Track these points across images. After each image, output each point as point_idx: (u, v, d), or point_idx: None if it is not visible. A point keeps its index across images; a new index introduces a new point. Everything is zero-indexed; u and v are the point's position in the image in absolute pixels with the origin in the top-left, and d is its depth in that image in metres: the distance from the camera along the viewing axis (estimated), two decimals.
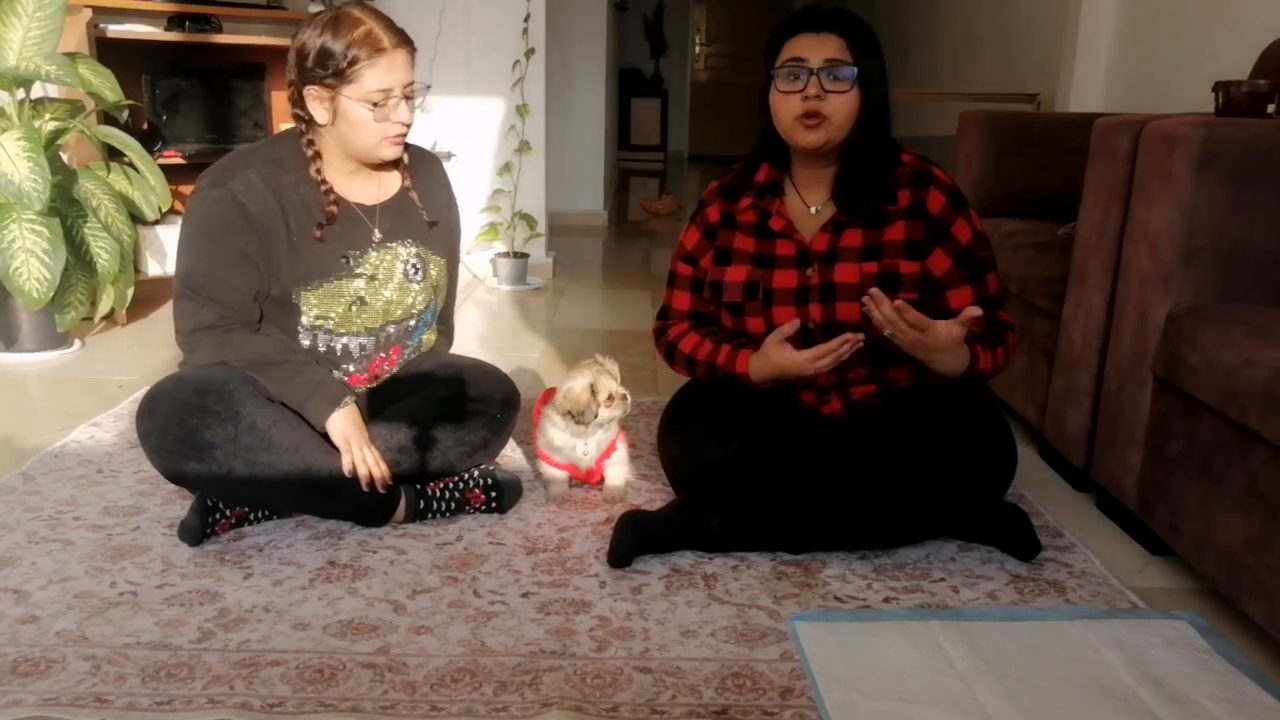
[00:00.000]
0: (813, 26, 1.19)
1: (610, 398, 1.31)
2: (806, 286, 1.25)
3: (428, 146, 2.93)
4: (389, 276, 1.30)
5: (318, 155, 1.25)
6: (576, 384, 1.31)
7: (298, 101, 1.23)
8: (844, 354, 1.18)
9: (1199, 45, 2.12)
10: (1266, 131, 1.18)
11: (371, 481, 1.24)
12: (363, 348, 1.31)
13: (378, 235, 1.29)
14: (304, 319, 1.26)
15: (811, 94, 1.17)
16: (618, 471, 1.40)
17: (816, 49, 1.18)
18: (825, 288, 1.24)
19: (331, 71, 1.19)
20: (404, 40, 1.22)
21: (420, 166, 1.37)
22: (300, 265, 1.24)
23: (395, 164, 1.30)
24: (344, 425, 1.23)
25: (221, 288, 1.22)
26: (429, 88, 1.28)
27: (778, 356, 1.21)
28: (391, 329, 1.32)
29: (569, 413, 1.30)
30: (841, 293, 1.23)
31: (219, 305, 1.22)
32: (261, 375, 1.23)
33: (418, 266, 1.32)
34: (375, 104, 1.19)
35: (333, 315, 1.27)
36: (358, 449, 1.22)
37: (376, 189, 1.31)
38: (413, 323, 1.34)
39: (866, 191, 1.24)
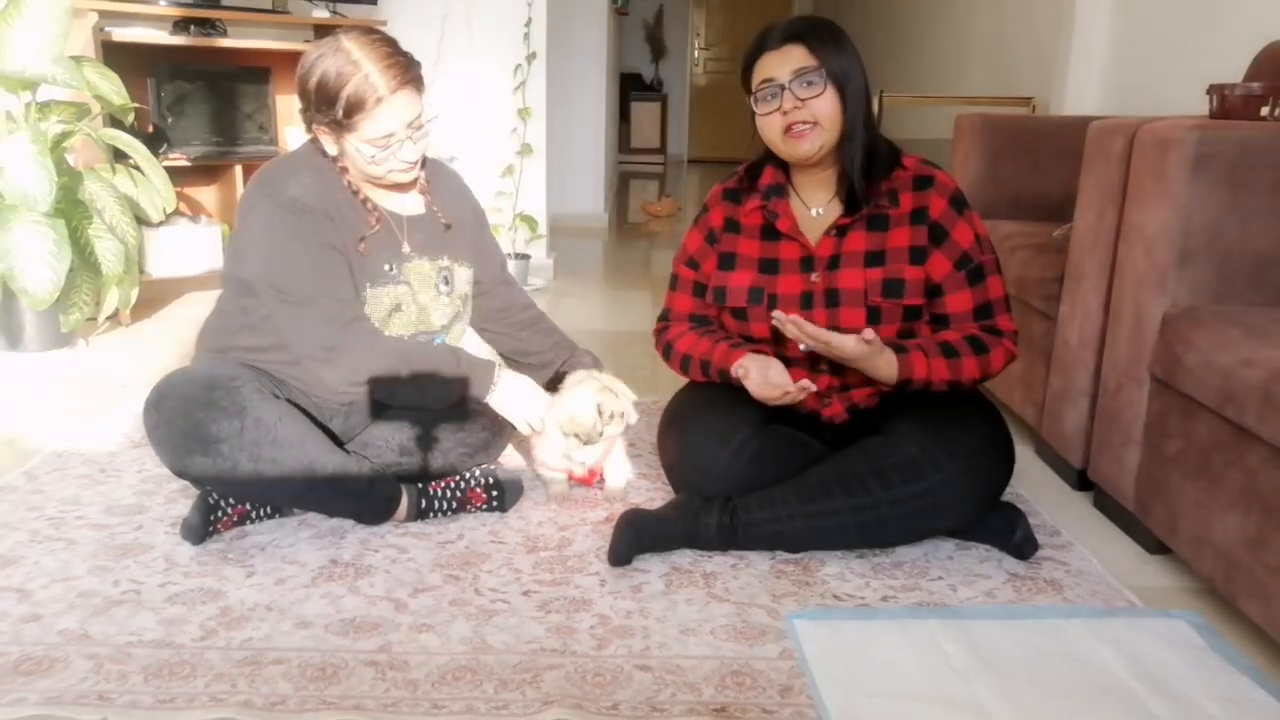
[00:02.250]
0: (772, 44, 1.20)
1: (612, 416, 1.30)
2: (811, 292, 1.25)
3: (431, 152, 2.96)
4: (424, 286, 1.31)
5: (344, 170, 1.26)
6: (583, 407, 1.29)
7: (310, 129, 1.24)
8: (796, 397, 1.21)
9: (1193, 48, 2.14)
10: (1260, 134, 1.19)
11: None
12: None
13: (406, 248, 1.30)
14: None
15: (789, 108, 1.19)
16: (618, 472, 1.40)
17: (781, 64, 1.19)
18: (829, 293, 1.25)
19: (331, 119, 1.17)
20: (406, 79, 1.17)
21: (436, 180, 1.37)
22: (354, 270, 1.25)
23: (413, 183, 1.30)
24: (505, 403, 1.28)
25: (326, 283, 1.21)
26: (437, 117, 1.24)
27: (756, 385, 1.22)
28: (424, 339, 1.32)
29: (574, 434, 1.29)
30: (846, 299, 1.24)
31: (333, 300, 1.21)
32: (411, 363, 1.23)
33: (448, 279, 1.34)
34: (380, 147, 1.19)
35: (375, 321, 1.27)
36: (521, 420, 1.29)
37: (403, 201, 1.32)
38: (443, 334, 1.35)
39: (871, 183, 1.23)
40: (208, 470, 1.19)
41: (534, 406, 1.31)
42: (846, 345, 1.15)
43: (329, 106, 1.16)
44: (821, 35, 1.20)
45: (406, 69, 1.18)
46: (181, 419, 1.17)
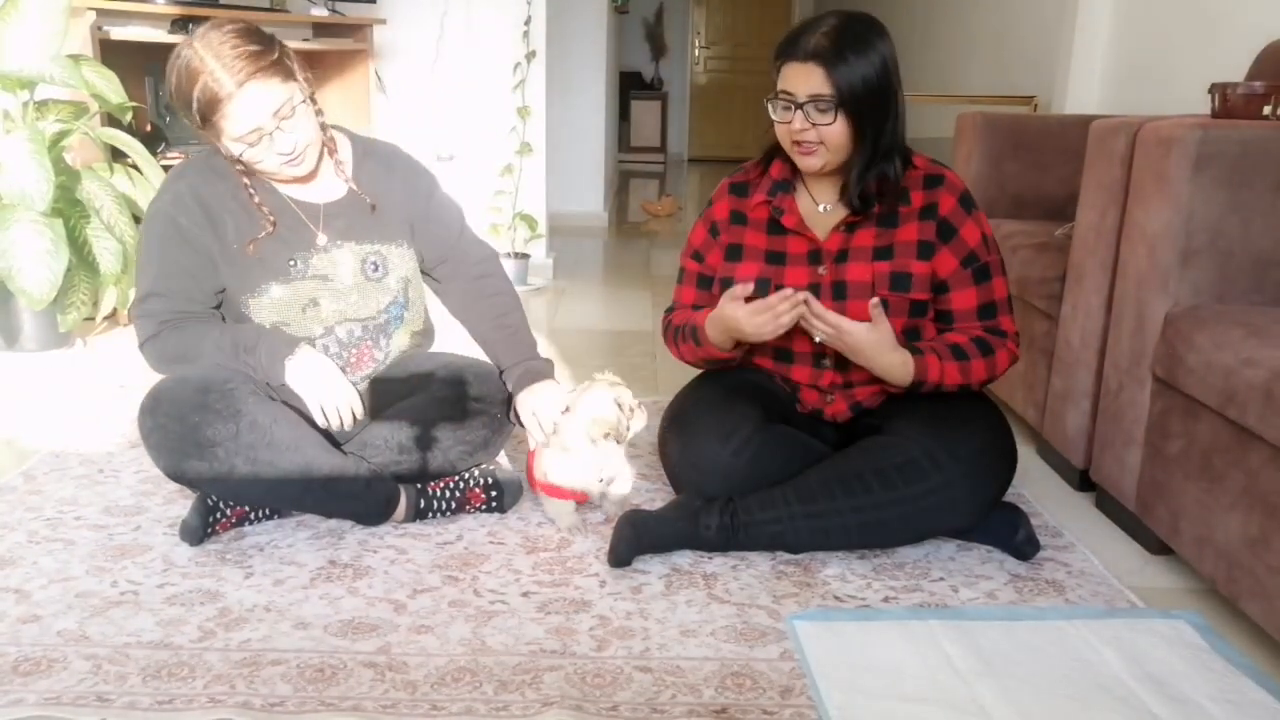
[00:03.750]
0: (798, 56, 1.17)
1: (632, 409, 1.27)
2: (818, 284, 1.25)
3: (431, 150, 2.94)
4: (345, 274, 1.28)
5: (245, 171, 1.21)
6: (603, 406, 1.25)
7: None
8: (783, 315, 1.15)
9: (1195, 47, 2.13)
10: (1262, 133, 1.18)
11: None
12: (325, 349, 1.28)
13: (322, 239, 1.26)
14: (257, 324, 1.25)
15: (798, 127, 1.18)
16: (621, 483, 1.35)
17: (801, 82, 1.17)
18: (837, 286, 1.25)
19: (194, 126, 1.15)
20: (254, 70, 1.11)
21: (364, 160, 1.31)
22: (243, 273, 1.23)
23: (313, 174, 1.24)
24: (299, 375, 1.21)
25: (165, 300, 1.22)
26: (305, 100, 1.16)
27: (725, 308, 1.20)
28: (357, 329, 1.30)
29: (606, 435, 1.25)
30: (853, 291, 1.24)
31: (162, 299, 1.22)
32: (211, 359, 1.21)
33: (377, 264, 1.29)
34: (250, 144, 1.14)
35: (288, 321, 1.26)
36: (315, 401, 1.21)
37: (318, 189, 1.28)
38: (381, 319, 1.32)
39: (874, 199, 1.23)
40: (204, 474, 1.19)
41: (329, 392, 1.22)
42: (858, 332, 1.15)
43: (188, 109, 1.13)
44: (845, 56, 1.15)
45: (256, 58, 1.12)
46: (176, 424, 1.17)
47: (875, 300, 1.17)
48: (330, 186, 1.29)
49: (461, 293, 1.40)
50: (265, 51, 1.14)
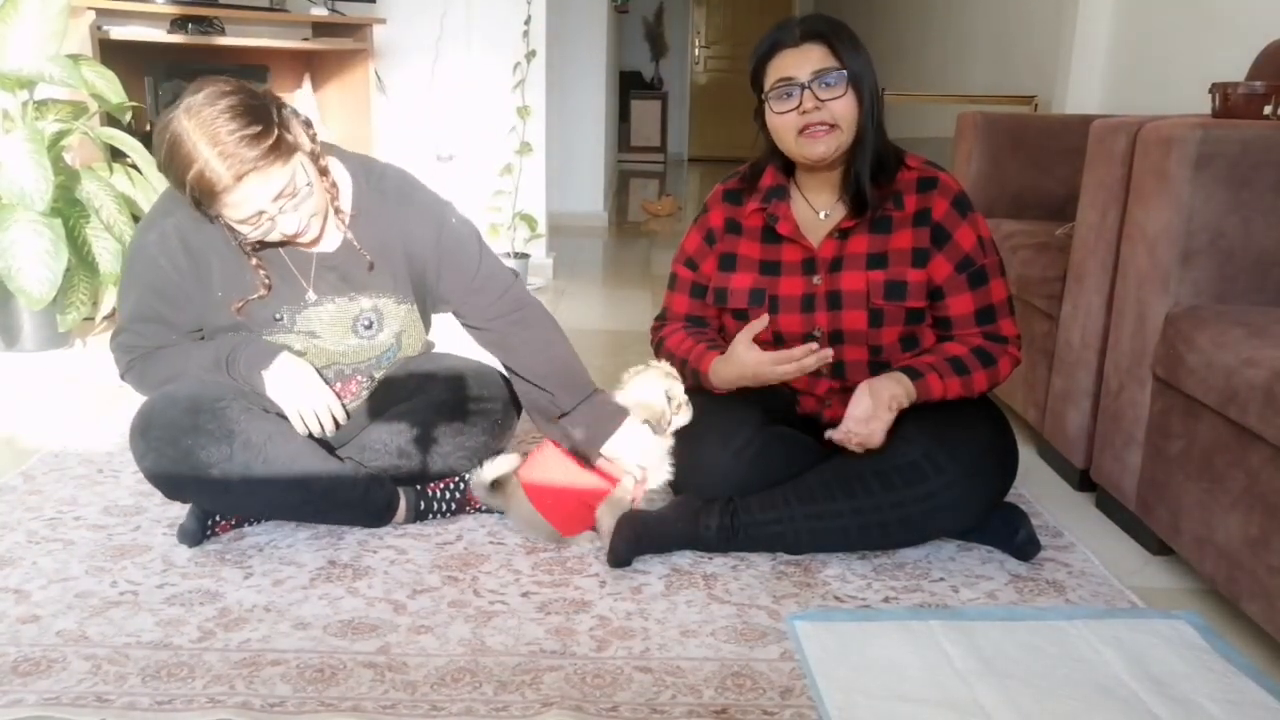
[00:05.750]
0: (791, 41, 1.18)
1: (680, 405, 1.25)
2: (812, 294, 1.25)
3: (431, 150, 2.93)
4: (334, 332, 1.24)
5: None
6: (651, 393, 1.23)
7: None
8: (809, 365, 1.19)
9: (1196, 47, 2.13)
10: (1263, 133, 1.18)
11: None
12: None
13: (311, 296, 1.21)
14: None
15: (808, 108, 1.17)
16: (656, 475, 1.29)
17: (801, 63, 1.17)
18: (831, 295, 1.24)
19: (193, 207, 1.08)
20: (251, 163, 1.02)
21: (371, 200, 1.23)
22: (226, 323, 1.20)
23: (318, 238, 1.19)
24: (277, 386, 1.18)
25: (137, 337, 1.22)
26: (310, 184, 1.10)
27: (745, 355, 1.21)
28: (346, 369, 1.27)
29: (645, 421, 1.23)
30: (848, 300, 1.23)
31: (130, 353, 1.22)
32: (196, 376, 1.19)
33: (371, 321, 1.24)
34: (253, 225, 1.09)
35: None
36: (293, 409, 1.19)
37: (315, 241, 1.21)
38: (371, 362, 1.29)
39: (877, 186, 1.22)
40: (200, 495, 1.19)
41: (307, 399, 1.19)
42: (864, 405, 1.16)
43: (182, 190, 1.06)
44: (841, 35, 1.18)
45: (255, 143, 1.03)
46: (169, 447, 1.14)
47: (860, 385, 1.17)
48: (327, 237, 1.22)
49: (494, 330, 1.30)
50: (264, 133, 1.04)
